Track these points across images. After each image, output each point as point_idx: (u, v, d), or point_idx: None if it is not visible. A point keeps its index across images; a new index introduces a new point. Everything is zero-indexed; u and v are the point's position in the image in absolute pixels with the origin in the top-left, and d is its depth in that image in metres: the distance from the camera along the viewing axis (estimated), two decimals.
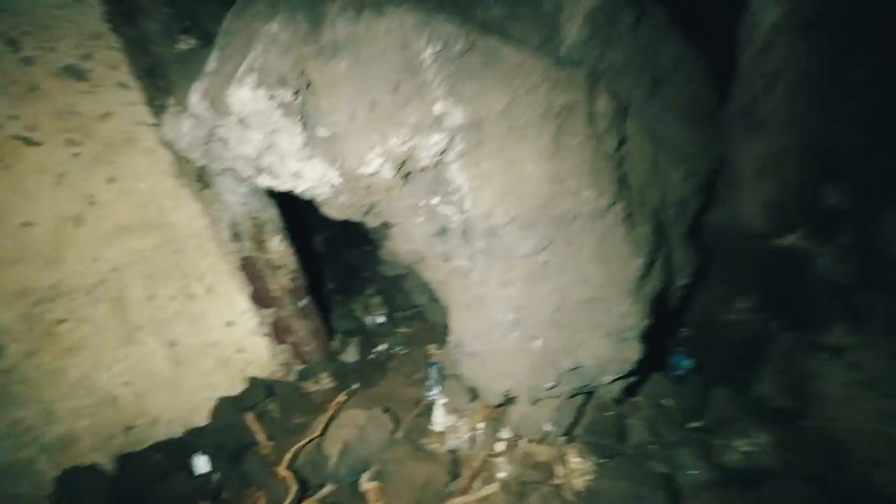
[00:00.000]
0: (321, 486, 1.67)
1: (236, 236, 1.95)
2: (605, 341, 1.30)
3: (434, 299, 2.34)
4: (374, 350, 2.50)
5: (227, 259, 1.93)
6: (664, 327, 1.65)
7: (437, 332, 2.41)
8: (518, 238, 1.37)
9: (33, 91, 1.40)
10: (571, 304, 1.34)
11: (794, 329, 1.47)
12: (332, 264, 3.27)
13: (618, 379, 1.40)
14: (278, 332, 2.19)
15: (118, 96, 1.55)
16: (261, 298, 2.09)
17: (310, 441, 1.73)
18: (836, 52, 1.09)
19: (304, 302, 2.25)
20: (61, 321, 1.56)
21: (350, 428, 1.75)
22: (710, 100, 1.45)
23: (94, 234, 1.57)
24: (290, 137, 1.27)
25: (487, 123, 1.22)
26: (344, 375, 2.29)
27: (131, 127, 1.59)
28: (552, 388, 1.47)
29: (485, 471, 1.64)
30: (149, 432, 1.81)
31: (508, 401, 1.70)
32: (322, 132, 1.26)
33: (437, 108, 1.19)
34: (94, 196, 1.56)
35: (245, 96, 1.12)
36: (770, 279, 1.50)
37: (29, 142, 1.41)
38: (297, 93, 1.15)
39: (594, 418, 1.60)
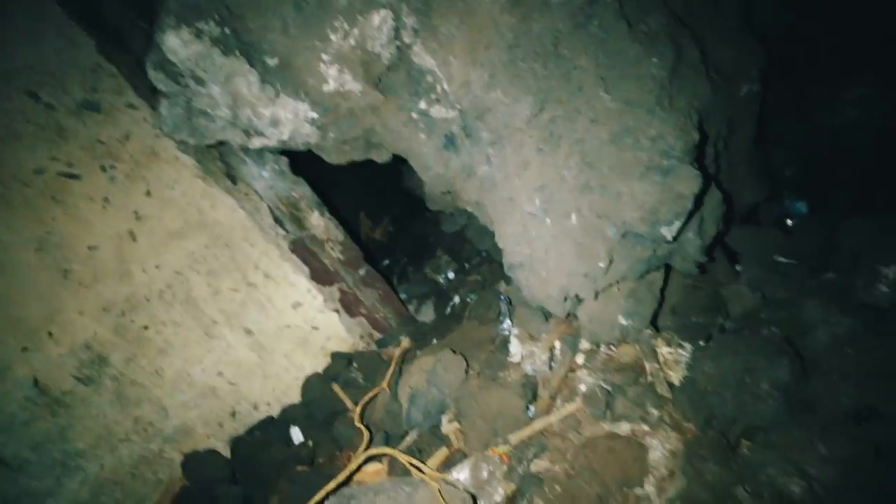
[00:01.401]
0: (404, 435, 1.61)
1: (276, 220, 2.00)
2: (644, 182, 1.01)
3: (488, 230, 2.17)
4: (449, 304, 2.40)
5: (275, 243, 1.99)
6: (747, 160, 1.26)
7: (501, 265, 2.23)
8: (511, 103, 1.15)
9: (62, 131, 1.58)
10: (593, 155, 1.08)
11: None
12: (401, 240, 3.28)
13: (684, 230, 1.08)
14: (347, 306, 2.21)
15: (131, 116, 1.68)
16: (319, 275, 2.12)
17: (375, 394, 1.69)
18: None
19: (362, 271, 2.24)
20: (146, 327, 1.74)
21: (418, 375, 1.67)
22: None
23: (149, 244, 1.73)
24: (245, 79, 1.23)
25: None
26: (423, 335, 2.23)
27: (150, 141, 1.72)
28: (608, 267, 1.20)
29: (565, 388, 1.42)
30: (251, 415, 1.94)
31: (575, 305, 1.46)
32: (270, 60, 1.19)
33: None
34: (139, 210, 1.71)
35: (174, 42, 1.10)
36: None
37: (71, 176, 1.60)
38: (220, 22, 1.10)
39: (681, 297, 1.28)
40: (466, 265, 2.64)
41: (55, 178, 1.58)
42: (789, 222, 1.32)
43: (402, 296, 2.56)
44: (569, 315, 1.53)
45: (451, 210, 2.56)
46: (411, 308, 2.51)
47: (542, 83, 1.07)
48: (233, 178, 1.90)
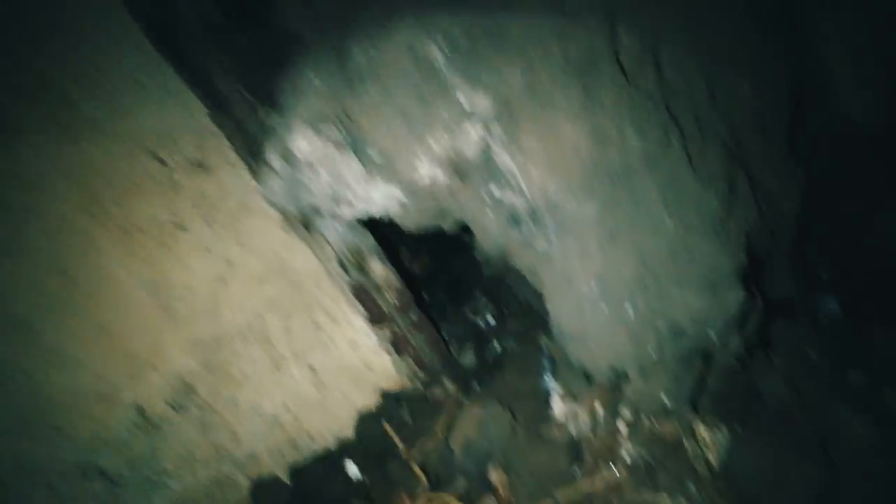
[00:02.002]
0: (451, 480, 1.77)
1: (342, 266, 2.21)
2: (696, 293, 1.18)
3: (534, 290, 2.34)
4: (489, 350, 2.56)
5: (340, 288, 2.20)
6: (787, 263, 1.42)
7: (545, 321, 2.38)
8: (579, 205, 1.33)
9: (175, 186, 1.82)
10: (652, 260, 1.25)
11: None
12: (441, 278, 3.47)
13: (729, 333, 1.24)
14: (398, 347, 2.39)
15: (230, 174, 1.92)
16: (375, 318, 2.32)
17: (434, 441, 1.85)
18: None
19: (413, 315, 2.43)
20: (228, 361, 1.95)
21: (469, 423, 1.83)
22: None
23: (237, 288, 1.95)
24: (351, 168, 1.45)
25: (514, 100, 1.24)
26: (464, 378, 2.40)
27: (245, 197, 1.95)
28: (657, 354, 1.36)
29: (609, 454, 1.56)
30: (310, 447, 2.12)
31: (620, 377, 1.61)
32: (374, 154, 1.41)
33: (462, 100, 1.25)
34: (231, 258, 1.94)
35: (303, 144, 1.32)
36: None
37: (179, 226, 1.83)
38: (341, 125, 1.32)
39: (721, 383, 1.43)
40: (506, 311, 2.79)
41: (168, 228, 1.82)
42: (824, 320, 1.46)
43: (443, 333, 2.73)
44: (612, 383, 1.69)
45: (504, 273, 2.74)
46: (452, 348, 2.67)
47: (610, 197, 1.25)
48: (309, 229, 2.13)
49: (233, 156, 1.95)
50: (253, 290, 2.00)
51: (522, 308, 2.67)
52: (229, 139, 1.95)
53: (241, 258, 1.98)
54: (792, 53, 1.20)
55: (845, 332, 1.37)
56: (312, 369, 2.15)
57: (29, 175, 1.60)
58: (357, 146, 1.38)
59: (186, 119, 1.85)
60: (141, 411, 1.76)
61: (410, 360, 2.47)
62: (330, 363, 2.20)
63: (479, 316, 2.86)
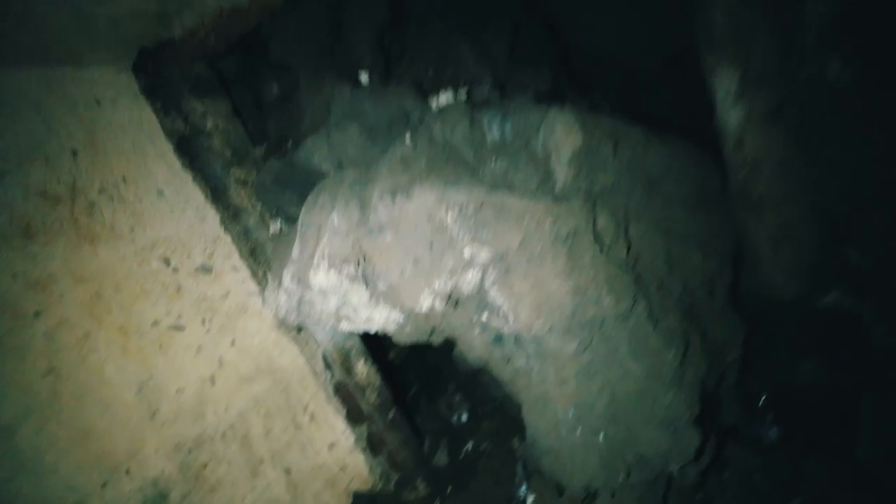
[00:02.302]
0: None
1: (327, 366, 2.29)
2: (660, 432, 1.37)
3: (510, 396, 2.48)
4: (463, 449, 2.62)
5: (323, 387, 2.26)
6: (734, 399, 1.65)
7: (518, 424, 2.50)
8: (560, 342, 1.53)
9: (179, 290, 1.90)
10: (622, 398, 1.44)
11: (873, 387, 1.42)
12: (415, 367, 3.54)
13: (687, 465, 1.43)
14: (373, 446, 2.43)
15: (233, 277, 2.03)
16: (354, 417, 2.37)
17: None
18: (800, 138, 1.21)
19: (392, 414, 2.49)
20: (205, 464, 1.93)
21: None
22: (713, 184, 1.59)
23: (224, 388, 1.98)
24: (359, 295, 1.61)
25: (510, 256, 1.47)
26: (437, 479, 2.44)
27: (243, 298, 2.05)
28: (625, 478, 1.52)
29: None
30: None
31: (591, 494, 1.74)
32: (382, 287, 1.58)
33: (466, 252, 1.47)
34: (223, 357, 1.99)
35: (321, 278, 1.48)
36: (829, 339, 1.49)
37: (177, 328, 1.89)
38: (357, 265, 1.50)
39: (681, 502, 1.59)
40: (480, 410, 2.89)
41: (166, 330, 1.87)
42: (765, 446, 1.69)
43: (417, 426, 2.77)
44: (584, 499, 1.81)
45: (479, 371, 2.88)
46: (426, 445, 2.71)
47: (587, 340, 1.46)
48: (300, 329, 2.22)
49: (237, 260, 2.08)
50: (240, 389, 2.03)
51: (496, 407, 2.78)
52: (236, 244, 2.08)
53: (233, 357, 2.03)
54: (730, 234, 1.51)
55: (784, 457, 1.60)
56: (287, 471, 2.14)
57: (39, 275, 1.65)
58: (368, 279, 1.55)
59: (199, 226, 1.98)
60: None
61: (385, 461, 2.49)
62: (305, 465, 2.19)
63: (453, 411, 2.93)
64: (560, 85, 1.87)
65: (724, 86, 1.27)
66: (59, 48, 1.55)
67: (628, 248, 1.41)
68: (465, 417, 2.88)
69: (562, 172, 1.38)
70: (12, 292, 1.61)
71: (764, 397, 1.79)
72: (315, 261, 1.48)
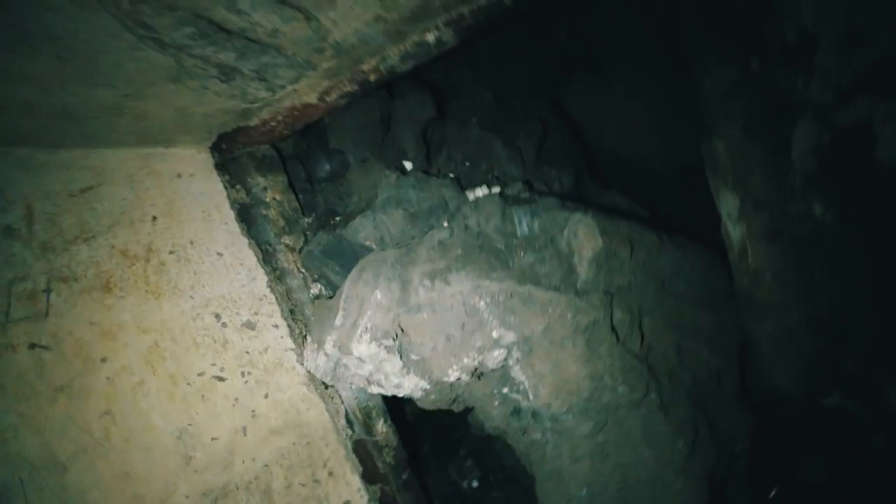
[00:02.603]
0: None
1: (349, 423, 2.40)
2: None
3: (523, 466, 2.54)
4: None
5: (343, 443, 2.36)
6: (743, 490, 1.72)
7: (529, 496, 2.53)
8: (576, 422, 1.65)
9: (225, 344, 2.08)
10: (633, 483, 1.54)
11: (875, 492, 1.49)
12: (428, 427, 3.59)
13: None
14: None
15: (273, 334, 2.20)
16: (370, 476, 2.44)
17: None
18: (794, 257, 1.37)
19: (406, 476, 2.56)
20: None
21: None
22: (721, 285, 1.75)
23: (254, 439, 2.10)
24: (392, 364, 1.76)
25: (534, 339, 1.62)
26: None
27: (281, 354, 2.21)
28: None
29: None
30: None
31: None
32: (414, 357, 1.73)
33: (494, 334, 1.63)
34: (256, 410, 2.12)
35: (363, 348, 1.64)
36: (834, 439, 1.58)
37: (220, 379, 2.05)
38: (395, 338, 1.66)
39: None
40: (491, 477, 2.92)
41: (209, 380, 2.03)
42: None
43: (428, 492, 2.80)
44: None
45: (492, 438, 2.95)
46: None
47: (602, 423, 1.58)
48: (327, 386, 2.36)
49: (279, 318, 2.26)
50: (268, 441, 2.15)
51: (508, 476, 2.81)
52: (279, 303, 2.28)
53: (265, 410, 2.16)
54: (736, 332, 1.65)
55: None
56: None
57: (111, 325, 1.85)
58: (402, 351, 1.71)
59: (249, 285, 2.19)
60: None
61: None
62: None
63: (464, 477, 2.96)
64: (582, 182, 2.09)
65: (727, 206, 1.46)
66: (158, 134, 1.83)
67: (641, 340, 1.56)
68: (475, 484, 2.90)
69: (583, 270, 1.56)
70: (87, 339, 1.80)
71: (775, 491, 1.85)
72: (358, 332, 1.65)
